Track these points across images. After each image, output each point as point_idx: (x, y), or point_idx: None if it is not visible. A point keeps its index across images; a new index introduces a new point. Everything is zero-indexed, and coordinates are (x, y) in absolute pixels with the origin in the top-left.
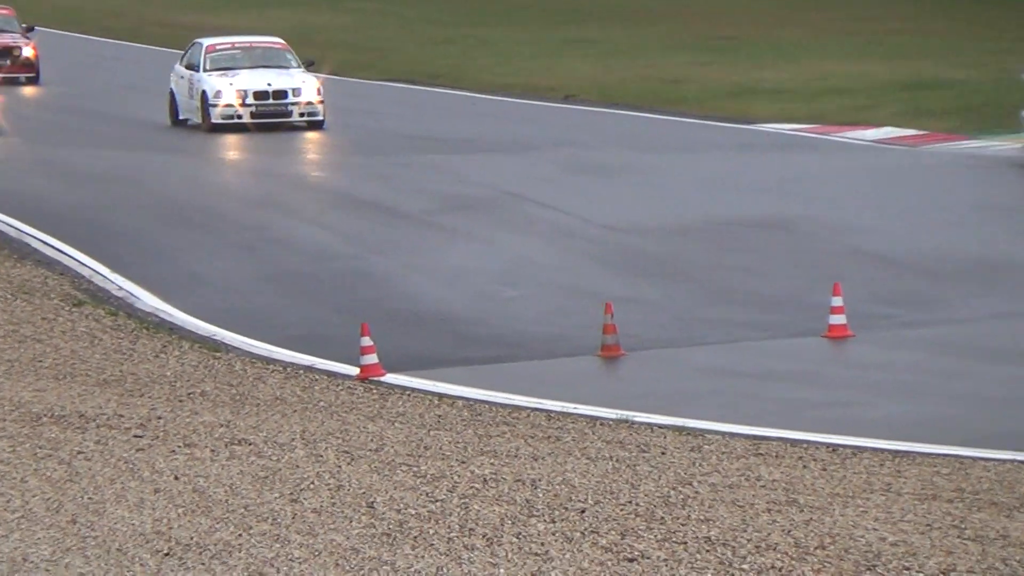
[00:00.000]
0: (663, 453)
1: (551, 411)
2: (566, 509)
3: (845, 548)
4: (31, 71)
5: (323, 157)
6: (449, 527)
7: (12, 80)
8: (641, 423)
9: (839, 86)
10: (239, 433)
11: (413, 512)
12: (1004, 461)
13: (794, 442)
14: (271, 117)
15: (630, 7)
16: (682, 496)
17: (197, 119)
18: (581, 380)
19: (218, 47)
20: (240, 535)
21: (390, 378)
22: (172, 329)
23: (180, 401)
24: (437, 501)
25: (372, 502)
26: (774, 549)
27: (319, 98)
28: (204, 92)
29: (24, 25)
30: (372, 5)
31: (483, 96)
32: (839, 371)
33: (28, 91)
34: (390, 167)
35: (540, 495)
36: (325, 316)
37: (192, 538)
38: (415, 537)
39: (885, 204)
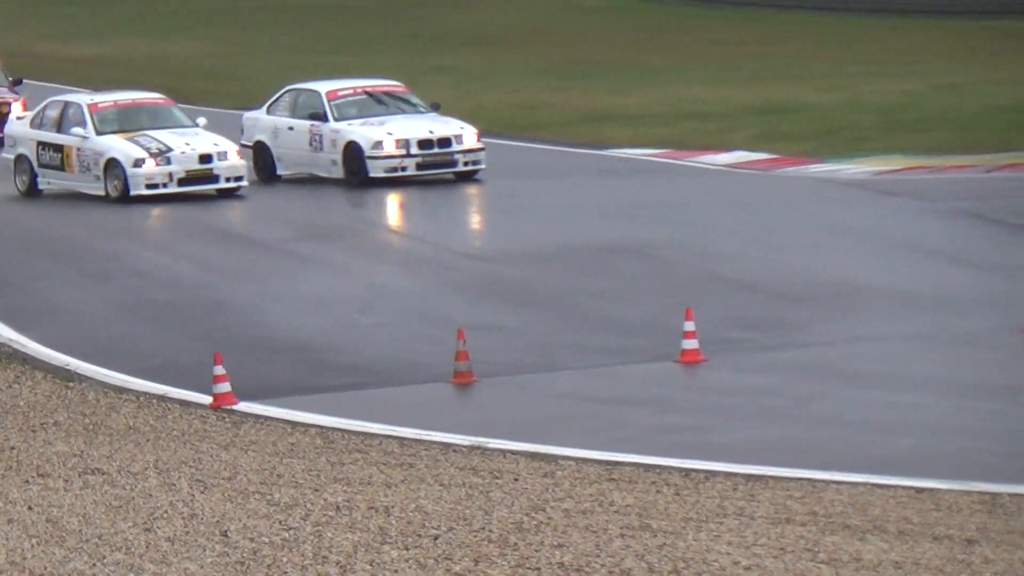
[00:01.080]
0: (516, 479)
1: (404, 438)
2: (419, 536)
3: (698, 572)
4: None
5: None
6: (303, 555)
7: None
8: (494, 449)
9: (696, 110)
10: (92, 463)
11: (267, 540)
12: (857, 484)
13: (647, 467)
14: (437, 167)
15: (488, 33)
16: (535, 522)
17: (329, 173)
18: (434, 407)
19: (340, 93)
20: (94, 564)
21: (243, 406)
22: (25, 359)
23: (33, 431)
24: (291, 529)
25: (226, 531)
26: (628, 574)
27: (479, 144)
28: (353, 144)
29: (11, 78)
30: (229, 33)
31: None
32: (692, 396)
33: None
34: (246, 195)
35: (393, 522)
36: (180, 345)
37: (46, 568)
38: (269, 565)
39: (739, 229)
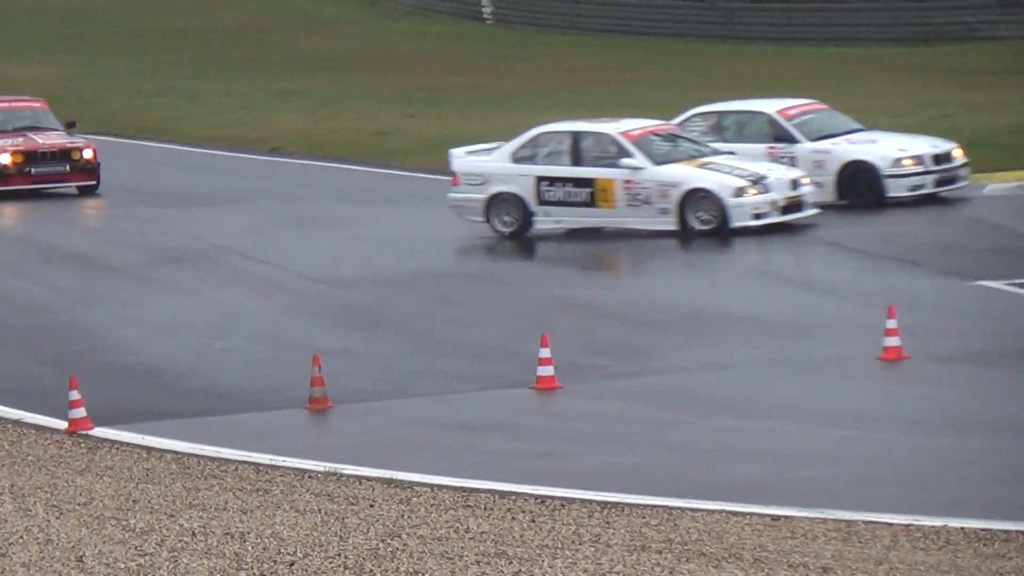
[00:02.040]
0: (372, 505)
1: (259, 464)
2: (275, 562)
3: None
4: (92, 178)
5: (30, 210)
6: None
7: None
8: (349, 475)
9: None
10: None
11: (123, 566)
12: (713, 512)
13: (503, 494)
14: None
15: (337, 58)
16: (391, 549)
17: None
18: (289, 433)
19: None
20: None
21: (98, 431)
22: None
23: None
24: (146, 555)
25: (81, 556)
26: None
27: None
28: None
29: (65, 122)
30: (79, 58)
31: (191, 149)
32: (548, 422)
33: None
34: (98, 220)
35: (249, 548)
36: (34, 369)
37: None
38: None
39: (593, 255)
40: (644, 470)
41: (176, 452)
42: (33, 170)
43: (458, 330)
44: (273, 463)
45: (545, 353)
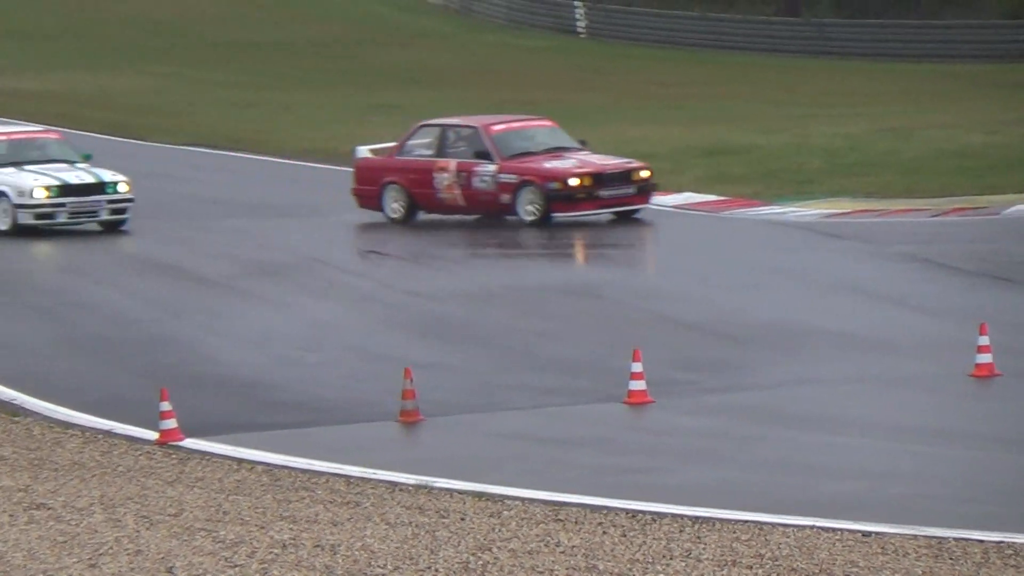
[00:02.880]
0: (463, 519)
1: (350, 476)
2: (365, 575)
3: None
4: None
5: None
6: None
7: None
8: (441, 489)
9: (639, 151)
10: (38, 498)
11: None
12: (804, 527)
13: (594, 508)
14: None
15: (434, 71)
16: (481, 562)
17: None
18: (381, 445)
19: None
20: None
21: (189, 443)
22: None
23: None
24: (236, 566)
25: (171, 567)
26: None
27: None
28: None
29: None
30: (172, 69)
31: (285, 161)
32: (639, 437)
33: None
34: (191, 231)
35: (339, 560)
36: (125, 380)
37: None
38: None
39: (687, 269)
40: (735, 485)
41: (267, 464)
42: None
43: (550, 343)
44: (364, 476)
45: (637, 367)
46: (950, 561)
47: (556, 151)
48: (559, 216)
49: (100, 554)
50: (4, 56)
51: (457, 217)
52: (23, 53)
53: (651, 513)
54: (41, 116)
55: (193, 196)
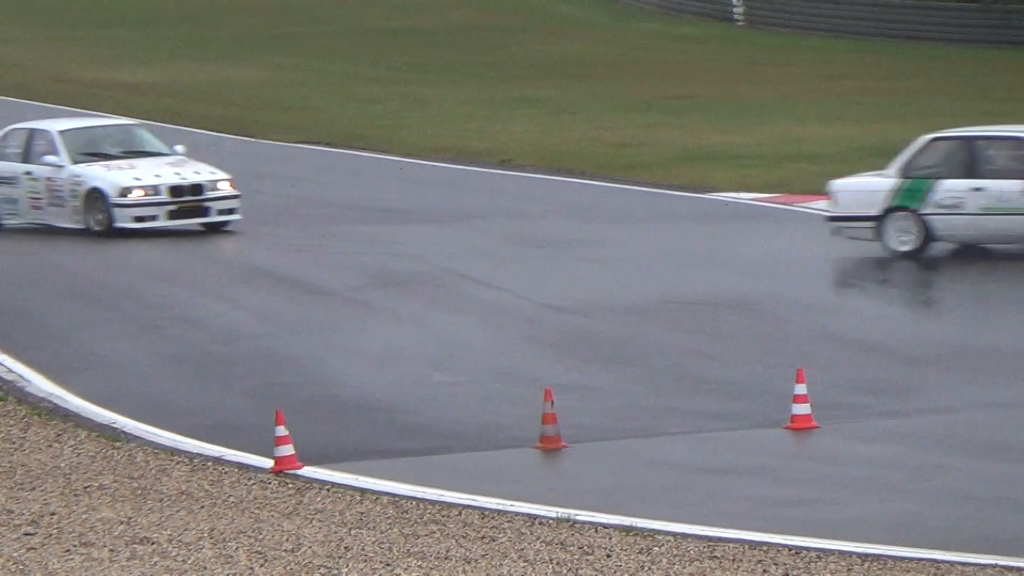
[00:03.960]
0: (608, 556)
1: (485, 508)
2: None
3: None
4: None
5: (234, 227)
6: None
7: None
8: (584, 522)
9: (806, 151)
10: (141, 531)
11: None
12: (986, 566)
13: (753, 544)
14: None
15: (575, 64)
16: None
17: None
18: (518, 474)
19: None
20: None
21: (307, 471)
22: (67, 416)
23: (76, 495)
24: None
25: None
26: None
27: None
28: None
29: None
30: (293, 60)
31: (413, 160)
32: (803, 465)
33: None
34: (310, 238)
35: None
36: (236, 402)
37: None
38: None
39: (854, 282)
40: (910, 519)
41: (393, 495)
42: None
43: (705, 363)
44: (500, 508)
45: (801, 389)
46: None
47: None
48: None
49: None
50: (115, 46)
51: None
52: (135, 43)
53: (816, 550)
54: (146, 110)
55: (311, 199)
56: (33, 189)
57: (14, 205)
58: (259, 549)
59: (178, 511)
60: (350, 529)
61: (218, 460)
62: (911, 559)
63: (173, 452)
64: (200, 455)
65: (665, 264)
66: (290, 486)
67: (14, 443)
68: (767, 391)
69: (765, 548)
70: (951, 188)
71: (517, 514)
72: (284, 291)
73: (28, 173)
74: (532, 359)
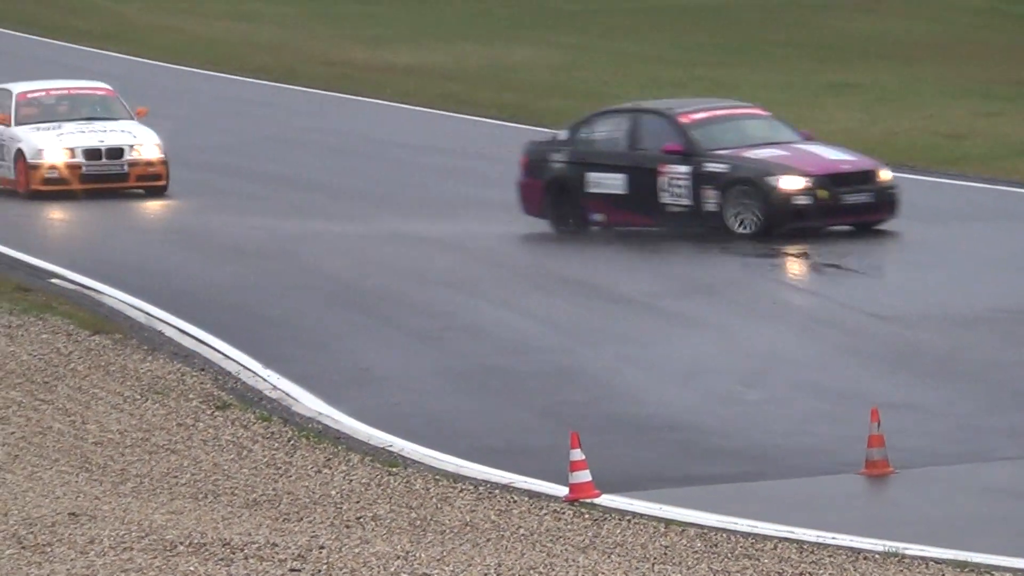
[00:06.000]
0: None
1: (803, 541)
2: None
3: None
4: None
5: (519, 225)
6: None
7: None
8: (914, 556)
9: None
10: (420, 567)
11: None
12: None
13: None
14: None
15: (900, 43)
16: None
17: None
18: (840, 503)
19: None
20: None
21: (605, 500)
22: (338, 438)
23: (348, 527)
24: None
25: None
26: None
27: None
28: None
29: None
30: (582, 40)
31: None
32: None
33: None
34: (603, 239)
35: None
36: (526, 423)
37: None
38: None
39: None
40: None
41: (700, 526)
42: None
43: None
44: (820, 540)
45: None
46: None
47: None
48: None
49: None
50: (381, 24)
51: None
52: (400, 20)
53: None
54: (428, 98)
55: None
56: None
57: None
58: None
59: (461, 544)
60: (653, 564)
61: (506, 488)
62: None
63: (456, 479)
64: (486, 482)
65: (1003, 269)
66: (586, 517)
67: (279, 468)
68: None
69: None
70: None
71: (839, 548)
72: (578, 298)
73: None
74: (855, 374)
